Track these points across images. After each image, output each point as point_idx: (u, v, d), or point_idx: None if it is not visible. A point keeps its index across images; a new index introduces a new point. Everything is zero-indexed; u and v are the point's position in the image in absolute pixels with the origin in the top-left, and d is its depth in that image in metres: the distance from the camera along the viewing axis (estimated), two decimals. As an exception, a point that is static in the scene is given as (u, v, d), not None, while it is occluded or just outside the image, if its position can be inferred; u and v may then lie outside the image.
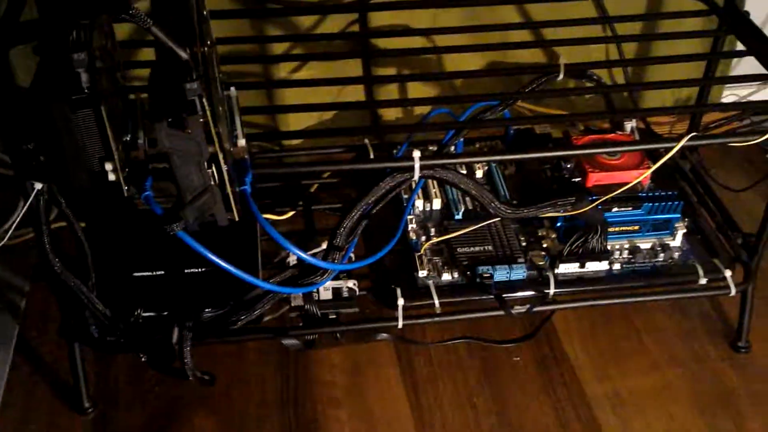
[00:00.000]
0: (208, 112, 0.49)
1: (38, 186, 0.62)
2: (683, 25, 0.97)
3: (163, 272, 0.71)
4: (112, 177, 0.55)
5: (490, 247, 0.83)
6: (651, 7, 1.03)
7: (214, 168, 0.52)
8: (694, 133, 0.65)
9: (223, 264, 0.59)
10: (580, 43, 0.92)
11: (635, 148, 0.79)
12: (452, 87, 1.07)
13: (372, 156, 0.92)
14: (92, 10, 0.48)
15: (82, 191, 0.53)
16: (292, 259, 0.82)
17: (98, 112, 0.52)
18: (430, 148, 0.94)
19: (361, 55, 1.02)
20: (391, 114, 1.09)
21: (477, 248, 0.83)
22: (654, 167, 0.71)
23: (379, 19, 1.00)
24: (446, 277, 0.81)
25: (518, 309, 0.77)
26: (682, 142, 0.65)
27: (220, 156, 0.51)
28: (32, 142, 0.59)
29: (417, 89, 1.07)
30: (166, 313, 0.72)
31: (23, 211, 0.62)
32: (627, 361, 0.87)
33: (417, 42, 1.00)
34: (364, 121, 1.10)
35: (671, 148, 0.67)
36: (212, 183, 0.52)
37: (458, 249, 0.83)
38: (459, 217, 0.87)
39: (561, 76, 0.78)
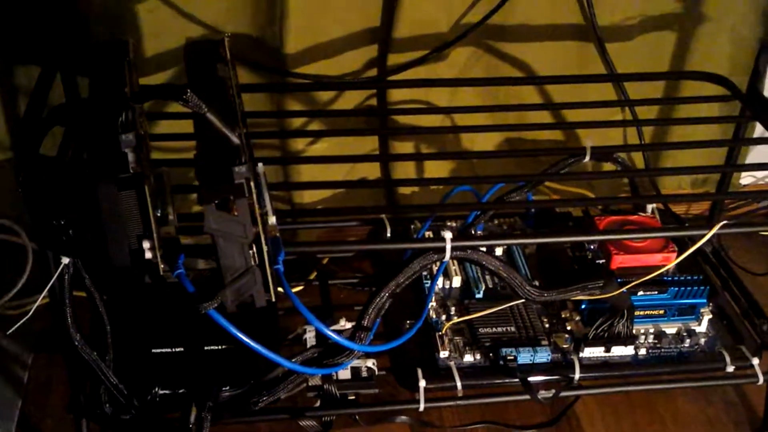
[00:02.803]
0: (254, 195, 0.51)
1: (65, 260, 0.64)
2: (701, 109, 1.02)
3: (182, 349, 0.73)
4: (148, 255, 0.57)
5: (512, 328, 0.85)
6: (670, 91, 1.08)
7: (254, 248, 0.55)
8: (725, 221, 0.68)
9: (255, 346, 0.60)
10: (600, 126, 0.97)
11: (668, 235, 0.82)
12: (470, 166, 1.11)
13: (389, 232, 0.95)
14: (147, 94, 0.51)
15: (121, 269, 0.55)
16: (309, 336, 0.84)
17: (142, 191, 0.54)
18: (449, 223, 0.97)
19: (378, 131, 1.06)
20: (406, 189, 1.12)
21: (499, 329, 0.85)
22: (685, 254, 0.74)
23: (397, 94, 1.04)
24: (468, 358, 0.82)
25: (544, 394, 0.78)
26: (714, 230, 0.68)
27: (263, 237, 0.53)
28: (63, 218, 0.62)
29: (434, 166, 1.10)
30: (182, 390, 0.73)
31: (49, 284, 0.64)
32: (651, 449, 0.88)
33: (435, 120, 1.04)
34: (379, 196, 1.13)
35: (701, 235, 0.70)
36: (253, 264, 0.54)
37: (480, 329, 0.85)
38: (480, 296, 0.89)
39: (587, 158, 0.81)
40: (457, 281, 0.90)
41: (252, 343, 0.61)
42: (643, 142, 1.03)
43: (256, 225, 0.53)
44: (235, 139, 0.50)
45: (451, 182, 0.87)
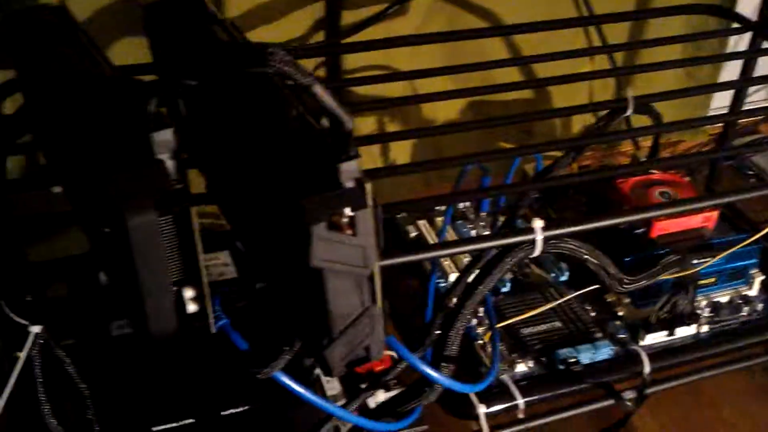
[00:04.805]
0: (369, 200, 0.36)
1: (35, 329, 0.45)
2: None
3: (192, 420, 0.55)
4: (192, 308, 0.39)
5: (558, 323, 0.73)
6: (637, 32, 1.00)
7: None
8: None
9: (340, 412, 0.45)
10: (583, 78, 0.86)
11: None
12: (434, 142, 0.98)
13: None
14: (213, 65, 0.33)
15: (163, 334, 0.38)
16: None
17: (186, 214, 0.36)
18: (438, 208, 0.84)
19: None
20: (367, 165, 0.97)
21: (544, 326, 0.73)
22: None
23: (352, 60, 0.89)
24: (521, 368, 0.70)
25: (628, 395, 0.67)
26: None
27: (376, 263, 0.37)
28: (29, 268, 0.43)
29: (397, 144, 0.97)
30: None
31: (21, 360, 0.45)
32: (709, 434, 0.80)
33: (397, 87, 0.90)
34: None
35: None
36: (372, 303, 0.38)
37: (522, 330, 0.72)
38: (506, 289, 0.76)
39: (629, 112, 0.70)
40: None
41: (333, 408, 0.45)
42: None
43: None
44: (349, 123, 0.34)
45: (461, 161, 0.72)
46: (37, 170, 0.71)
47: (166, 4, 0.53)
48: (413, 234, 0.82)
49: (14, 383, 0.48)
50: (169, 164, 0.36)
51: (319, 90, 0.33)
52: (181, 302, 0.39)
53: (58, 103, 0.40)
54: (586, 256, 0.56)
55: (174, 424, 0.54)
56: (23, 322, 0.44)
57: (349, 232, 0.35)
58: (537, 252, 0.54)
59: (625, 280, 0.60)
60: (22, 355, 0.44)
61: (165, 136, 0.35)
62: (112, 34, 0.75)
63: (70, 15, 0.49)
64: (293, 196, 0.35)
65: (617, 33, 0.99)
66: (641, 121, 0.78)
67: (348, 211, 0.35)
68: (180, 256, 0.38)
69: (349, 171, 0.35)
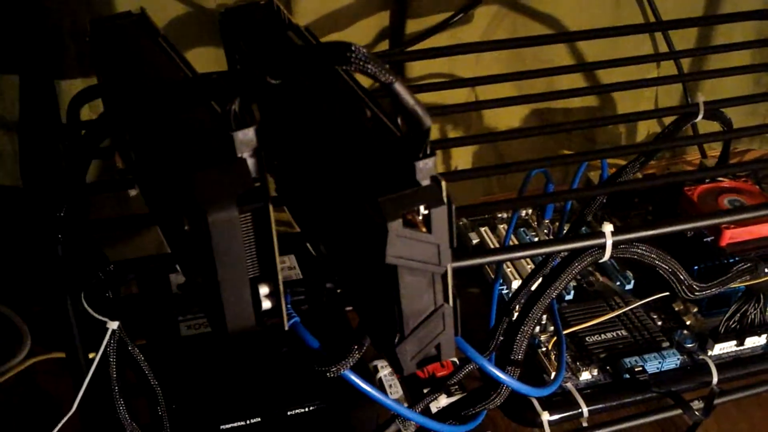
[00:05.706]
0: (445, 196, 0.36)
1: (113, 326, 0.47)
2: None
3: (259, 419, 0.56)
4: (267, 305, 0.40)
5: (623, 332, 0.73)
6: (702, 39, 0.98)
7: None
8: None
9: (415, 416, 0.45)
10: (649, 85, 0.85)
11: None
12: (496, 152, 0.98)
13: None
14: (292, 61, 0.34)
15: (241, 333, 0.39)
16: (384, 375, 0.69)
17: (266, 212, 0.38)
18: (501, 215, 0.84)
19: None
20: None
21: (609, 335, 0.72)
22: None
23: (416, 68, 0.90)
24: (585, 376, 0.69)
25: (695, 405, 0.67)
26: None
27: (450, 260, 0.38)
28: (110, 265, 0.45)
29: (459, 151, 0.97)
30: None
31: (98, 357, 0.46)
32: (781, 450, 0.78)
33: (461, 94, 0.91)
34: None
35: None
36: (444, 301, 0.39)
37: (587, 338, 0.72)
38: (569, 297, 0.76)
39: (700, 117, 0.70)
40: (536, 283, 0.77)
41: (402, 409, 0.46)
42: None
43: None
44: (427, 120, 0.35)
45: (526, 166, 0.72)
46: (111, 175, 0.73)
47: (242, 10, 0.54)
48: (475, 241, 0.82)
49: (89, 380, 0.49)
50: (250, 163, 0.37)
51: (399, 87, 0.34)
52: (257, 298, 0.40)
53: (142, 104, 0.41)
54: (656, 262, 0.56)
55: (241, 423, 0.55)
56: (102, 318, 0.45)
57: (423, 230, 0.36)
58: (606, 256, 0.54)
59: (696, 287, 0.60)
60: (100, 351, 0.46)
61: (247, 135, 0.36)
62: (182, 43, 0.77)
63: (151, 21, 0.51)
64: (369, 193, 0.36)
65: (684, 38, 0.98)
66: (707, 130, 0.77)
67: (423, 208, 0.36)
68: (257, 253, 0.39)
69: (425, 169, 0.36)
